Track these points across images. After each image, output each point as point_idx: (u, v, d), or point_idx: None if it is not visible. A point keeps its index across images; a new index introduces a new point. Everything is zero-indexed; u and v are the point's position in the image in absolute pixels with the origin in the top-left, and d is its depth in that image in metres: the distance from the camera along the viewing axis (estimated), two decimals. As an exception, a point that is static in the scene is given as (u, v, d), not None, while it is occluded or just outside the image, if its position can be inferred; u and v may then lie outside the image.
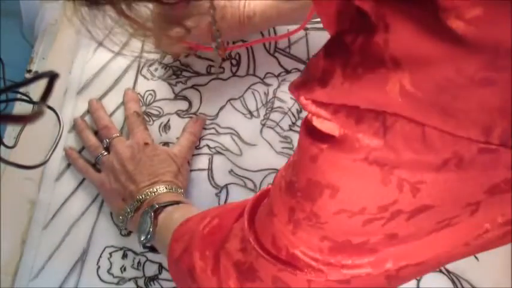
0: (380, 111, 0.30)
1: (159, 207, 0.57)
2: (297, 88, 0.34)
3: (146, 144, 0.63)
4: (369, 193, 0.34)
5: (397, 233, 0.36)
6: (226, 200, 0.65)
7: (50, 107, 0.42)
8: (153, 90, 0.70)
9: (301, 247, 0.39)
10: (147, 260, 0.63)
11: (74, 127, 0.68)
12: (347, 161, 0.33)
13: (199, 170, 0.67)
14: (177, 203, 0.58)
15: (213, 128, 0.68)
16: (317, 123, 0.33)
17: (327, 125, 0.33)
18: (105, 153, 0.65)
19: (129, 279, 0.62)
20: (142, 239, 0.57)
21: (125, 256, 0.63)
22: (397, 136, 0.31)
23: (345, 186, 0.34)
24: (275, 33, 0.72)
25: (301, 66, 0.70)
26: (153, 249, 0.60)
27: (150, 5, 0.37)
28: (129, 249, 0.63)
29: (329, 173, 0.34)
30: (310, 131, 0.34)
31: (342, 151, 0.33)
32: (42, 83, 0.32)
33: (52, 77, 0.31)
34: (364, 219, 0.35)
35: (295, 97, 0.34)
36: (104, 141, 0.66)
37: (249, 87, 0.70)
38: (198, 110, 0.69)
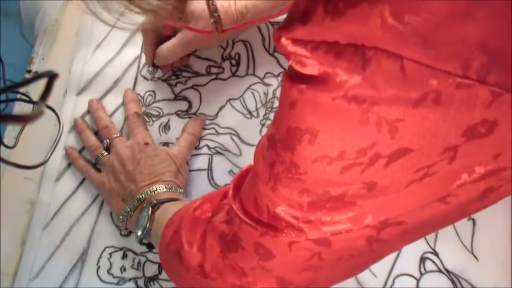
0: (359, 45, 0.31)
1: (157, 203, 0.57)
2: (279, 30, 0.34)
3: (146, 144, 0.63)
4: (348, 135, 0.34)
5: (376, 182, 0.36)
6: (226, 200, 0.65)
7: (49, 107, 0.42)
8: (153, 91, 0.70)
9: (282, 205, 0.38)
10: (147, 260, 0.63)
11: (75, 127, 0.68)
12: (326, 100, 0.33)
13: (199, 170, 0.67)
14: (175, 200, 0.58)
15: (213, 128, 0.68)
16: (298, 67, 0.33)
17: (307, 66, 0.33)
18: (106, 153, 0.65)
19: (129, 280, 0.62)
20: (139, 234, 0.57)
21: (124, 256, 0.63)
22: (376, 70, 0.31)
23: (323, 128, 0.34)
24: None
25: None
26: (150, 247, 0.60)
27: None
28: (129, 250, 0.63)
29: (308, 117, 0.34)
30: (291, 76, 0.34)
31: (321, 89, 0.33)
32: (42, 83, 0.32)
33: (52, 77, 0.31)
34: (343, 165, 0.35)
35: (276, 42, 0.34)
36: (104, 141, 0.66)
37: (248, 87, 0.70)
38: (197, 110, 0.69)
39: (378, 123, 0.33)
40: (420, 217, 0.39)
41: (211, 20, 0.60)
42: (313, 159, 0.35)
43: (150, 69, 0.71)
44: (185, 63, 0.71)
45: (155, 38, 0.67)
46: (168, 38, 0.67)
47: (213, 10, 0.60)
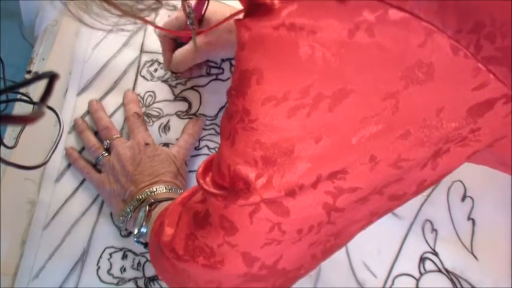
0: None
1: (154, 202, 0.58)
2: None
3: (147, 144, 0.63)
4: (290, 71, 0.35)
5: (322, 130, 0.36)
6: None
7: (50, 108, 0.42)
8: (153, 91, 0.70)
9: (240, 163, 0.39)
10: (147, 260, 0.63)
11: (75, 127, 0.68)
12: (268, 31, 0.34)
13: (199, 170, 0.67)
14: (173, 199, 0.58)
15: (213, 128, 0.69)
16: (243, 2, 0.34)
17: None
18: (106, 154, 0.65)
19: (129, 280, 0.62)
20: (135, 233, 0.57)
21: (124, 257, 0.63)
22: None
23: (268, 66, 0.35)
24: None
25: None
26: (147, 246, 0.60)
27: None
28: (129, 250, 0.63)
29: (255, 55, 0.35)
30: (240, 19, 0.36)
31: (263, 19, 0.34)
32: (42, 84, 0.32)
33: (52, 77, 0.31)
34: (289, 108, 0.35)
35: None
36: (105, 142, 0.66)
37: (248, 88, 0.70)
38: (197, 110, 0.69)
39: (317, 56, 0.33)
40: (373, 181, 0.39)
41: (188, 22, 0.60)
42: (262, 102, 0.36)
43: (170, 74, 0.71)
44: (201, 73, 0.71)
45: (172, 44, 0.68)
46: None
47: (188, 12, 0.60)
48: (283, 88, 0.35)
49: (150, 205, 0.57)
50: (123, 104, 0.69)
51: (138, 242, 0.58)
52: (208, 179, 0.43)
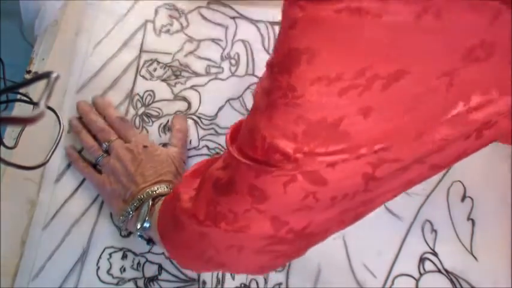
0: None
1: (157, 196, 0.58)
2: None
3: (145, 147, 0.63)
4: (347, 52, 0.34)
5: (372, 107, 0.35)
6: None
7: (50, 108, 0.42)
8: (152, 91, 0.70)
9: (277, 137, 0.38)
10: (147, 260, 0.63)
11: (71, 128, 0.68)
12: (328, 14, 0.33)
13: (198, 170, 0.67)
14: None
15: (213, 128, 0.69)
16: None
17: None
18: (105, 154, 0.65)
19: (129, 280, 0.62)
20: (138, 227, 0.57)
21: (124, 257, 0.63)
22: None
23: (324, 47, 0.34)
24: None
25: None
26: (149, 242, 0.60)
27: None
28: (129, 250, 0.63)
29: (309, 35, 0.34)
30: None
31: (323, 2, 0.32)
32: (42, 83, 0.32)
33: (52, 77, 0.31)
34: (340, 87, 0.35)
35: None
36: (103, 144, 0.65)
37: (248, 87, 0.70)
38: (197, 110, 0.69)
39: (378, 39, 0.32)
40: (415, 152, 0.38)
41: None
42: (311, 82, 0.35)
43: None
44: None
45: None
46: None
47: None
48: (337, 69, 0.34)
49: (153, 199, 0.58)
50: (98, 112, 0.68)
51: (141, 236, 0.58)
52: (235, 148, 0.42)
